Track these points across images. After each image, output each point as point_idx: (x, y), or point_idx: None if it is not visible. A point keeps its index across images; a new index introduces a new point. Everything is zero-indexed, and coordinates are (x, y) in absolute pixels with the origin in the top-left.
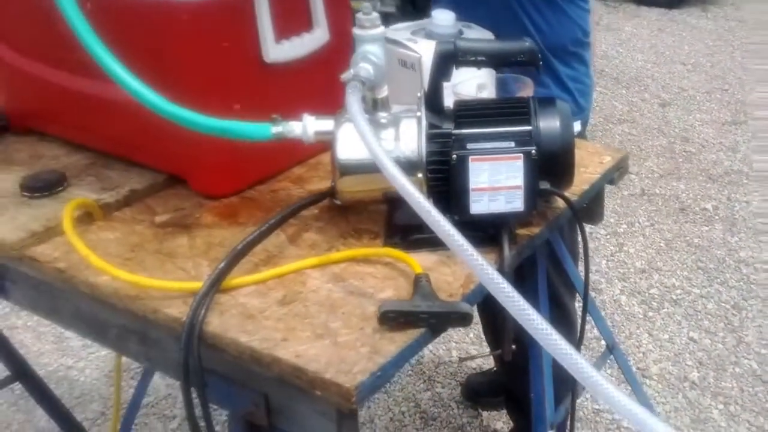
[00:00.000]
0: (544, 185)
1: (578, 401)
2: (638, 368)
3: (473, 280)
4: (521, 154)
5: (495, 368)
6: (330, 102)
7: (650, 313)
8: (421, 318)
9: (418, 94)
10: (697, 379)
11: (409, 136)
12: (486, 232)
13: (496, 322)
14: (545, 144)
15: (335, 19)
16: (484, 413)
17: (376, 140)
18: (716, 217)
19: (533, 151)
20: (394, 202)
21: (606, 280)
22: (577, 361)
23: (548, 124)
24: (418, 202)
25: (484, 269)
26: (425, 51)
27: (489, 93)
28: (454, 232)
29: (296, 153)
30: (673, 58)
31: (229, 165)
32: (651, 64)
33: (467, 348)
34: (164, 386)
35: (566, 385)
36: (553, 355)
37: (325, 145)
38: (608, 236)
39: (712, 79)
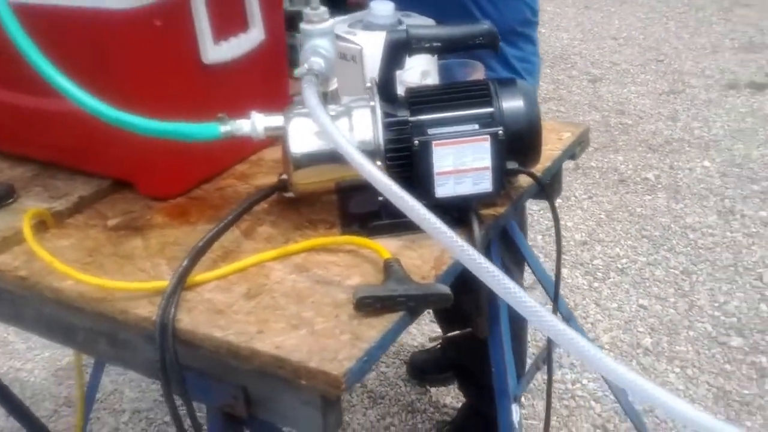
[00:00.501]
0: (512, 165)
1: (534, 373)
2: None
3: (445, 261)
4: (488, 136)
5: (439, 345)
6: (268, 99)
7: (595, 284)
8: (398, 302)
9: (368, 84)
10: (650, 345)
11: (363, 126)
12: (450, 214)
13: (457, 302)
14: (510, 124)
15: (269, 19)
16: (432, 389)
17: (340, 132)
18: (659, 186)
19: (500, 132)
20: (345, 191)
21: (544, 254)
22: (571, 336)
23: (512, 104)
24: (390, 189)
25: (465, 250)
26: (366, 42)
27: (433, 80)
28: (429, 215)
29: (238, 151)
30: (602, 33)
31: (175, 166)
32: (578, 42)
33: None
34: (109, 382)
35: (521, 360)
36: (544, 331)
37: (265, 141)
38: (542, 211)
39: (646, 51)
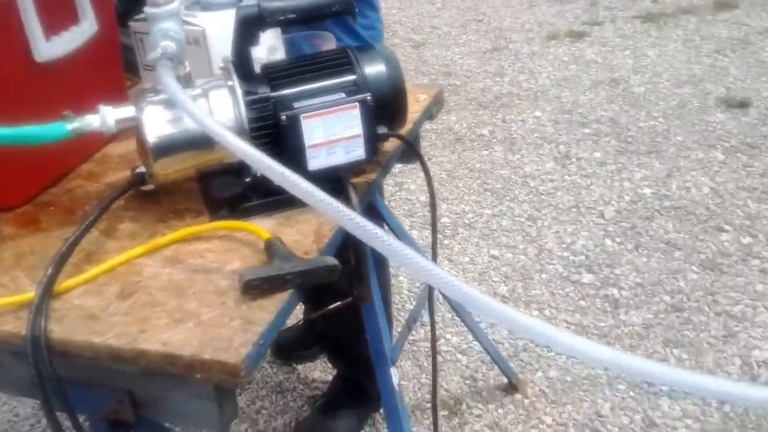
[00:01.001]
0: (382, 130)
1: (407, 335)
2: None
3: (325, 234)
4: (357, 103)
5: (301, 322)
6: (107, 92)
7: (446, 241)
8: (287, 280)
9: (221, 64)
10: (506, 292)
11: (223, 107)
12: (324, 185)
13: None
14: (375, 89)
15: (100, 9)
16: (299, 366)
17: (208, 115)
18: (494, 140)
19: (368, 98)
20: (207, 176)
21: None
22: (466, 290)
23: (374, 69)
24: (269, 166)
25: (353, 219)
26: (208, 24)
27: (281, 55)
28: (313, 188)
29: (82, 150)
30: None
31: (15, 173)
32: (395, 10)
33: None
34: None
35: (390, 324)
36: (438, 288)
37: (108, 138)
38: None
39: (465, 12)
